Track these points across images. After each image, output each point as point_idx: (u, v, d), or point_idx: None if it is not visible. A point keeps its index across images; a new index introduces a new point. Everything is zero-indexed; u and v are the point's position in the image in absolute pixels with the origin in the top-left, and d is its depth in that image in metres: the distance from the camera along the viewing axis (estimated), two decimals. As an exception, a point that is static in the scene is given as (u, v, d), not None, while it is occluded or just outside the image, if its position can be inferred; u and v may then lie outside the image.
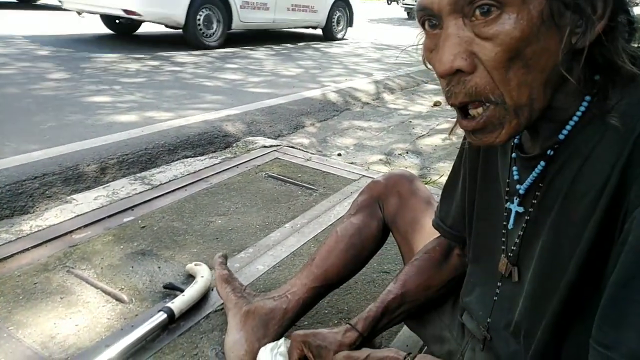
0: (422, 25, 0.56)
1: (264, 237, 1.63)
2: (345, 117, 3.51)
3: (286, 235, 1.65)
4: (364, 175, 2.19)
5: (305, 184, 2.06)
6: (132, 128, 2.61)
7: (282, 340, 0.95)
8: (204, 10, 5.43)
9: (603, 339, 0.49)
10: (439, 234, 0.95)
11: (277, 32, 7.67)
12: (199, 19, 5.44)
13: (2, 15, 6.96)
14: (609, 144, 0.51)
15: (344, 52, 6.65)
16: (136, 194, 1.88)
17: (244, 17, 6.00)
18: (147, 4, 5.03)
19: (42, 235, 1.52)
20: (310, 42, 7.31)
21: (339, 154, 2.69)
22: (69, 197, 1.85)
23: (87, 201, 1.80)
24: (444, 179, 2.35)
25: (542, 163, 0.59)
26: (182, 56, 5.09)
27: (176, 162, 2.28)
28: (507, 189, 0.67)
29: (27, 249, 1.45)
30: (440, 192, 0.91)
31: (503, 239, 0.69)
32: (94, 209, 1.73)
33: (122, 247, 1.51)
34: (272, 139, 2.73)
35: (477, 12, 0.49)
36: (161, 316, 1.14)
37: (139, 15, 5.08)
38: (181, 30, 5.53)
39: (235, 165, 2.22)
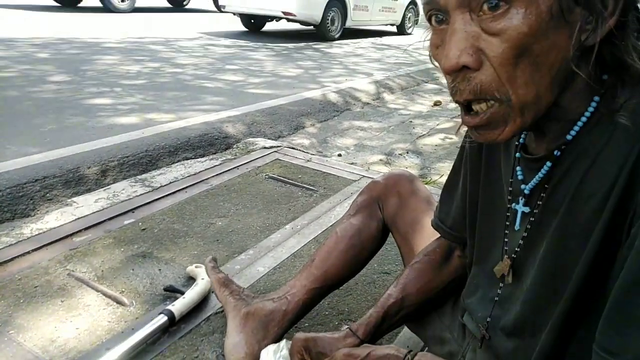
0: (429, 20, 0.55)
1: (264, 238, 1.63)
2: (346, 118, 3.51)
3: (287, 236, 1.65)
4: (364, 176, 2.19)
5: (305, 185, 2.06)
6: (133, 130, 2.61)
7: (284, 342, 0.94)
8: (331, 12, 7.44)
9: (608, 344, 0.48)
10: (439, 235, 0.95)
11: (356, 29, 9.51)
12: (328, 18, 7.46)
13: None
14: (617, 145, 0.50)
15: (344, 52, 6.64)
16: (137, 196, 1.88)
17: (354, 17, 8.00)
18: (300, 7, 6.90)
19: (42, 238, 1.53)
20: (311, 43, 7.31)
21: (340, 155, 2.69)
22: (69, 200, 1.85)
23: (88, 204, 1.80)
24: (444, 179, 2.34)
25: (549, 164, 0.58)
26: (182, 58, 5.09)
27: (177, 163, 2.28)
28: (510, 189, 0.66)
29: (28, 252, 1.45)
30: (440, 191, 0.91)
31: (506, 240, 0.68)
32: (94, 212, 1.73)
33: (122, 249, 1.51)
34: (273, 140, 2.73)
35: (485, 6, 0.48)
36: (162, 319, 1.14)
37: (293, 15, 6.92)
38: (313, 27, 7.60)
39: (235, 167, 2.22)
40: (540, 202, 0.61)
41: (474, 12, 0.49)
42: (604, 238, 0.51)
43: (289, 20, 7.32)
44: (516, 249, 0.66)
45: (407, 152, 2.77)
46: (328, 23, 7.50)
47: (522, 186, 0.63)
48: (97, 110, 3.00)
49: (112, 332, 1.15)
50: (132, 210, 1.76)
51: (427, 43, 0.57)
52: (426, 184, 2.14)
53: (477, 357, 0.78)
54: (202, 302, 1.25)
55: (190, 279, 1.36)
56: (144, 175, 2.10)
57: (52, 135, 2.49)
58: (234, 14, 7.76)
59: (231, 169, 2.20)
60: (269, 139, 2.74)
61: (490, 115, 0.52)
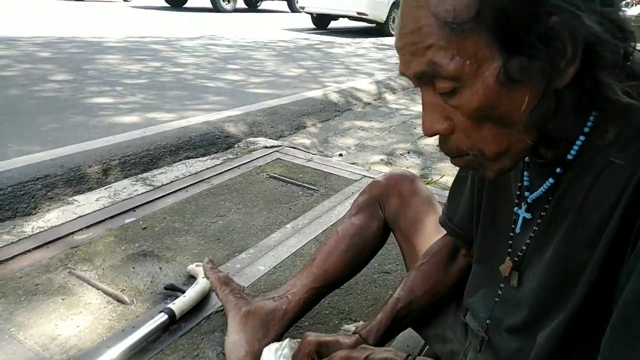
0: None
1: (265, 237, 1.63)
2: (347, 118, 3.51)
3: (287, 235, 1.65)
4: (365, 176, 2.19)
5: (306, 185, 2.06)
6: (134, 129, 2.61)
7: (286, 341, 0.93)
8: (394, 12, 8.58)
9: (613, 357, 0.48)
10: (441, 234, 0.95)
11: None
12: (391, 17, 8.72)
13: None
14: (625, 157, 0.50)
15: (346, 52, 6.64)
16: (138, 195, 1.88)
17: None
18: (370, 8, 8.31)
19: (43, 237, 1.53)
20: (313, 43, 7.32)
21: (341, 155, 2.69)
22: (70, 199, 1.85)
23: (89, 202, 1.81)
24: (445, 179, 2.35)
25: (558, 170, 0.58)
26: (184, 57, 5.10)
27: (178, 163, 2.28)
28: (517, 193, 0.66)
29: (29, 250, 1.45)
30: (441, 192, 0.91)
31: (510, 242, 0.68)
32: (95, 210, 1.73)
33: (123, 248, 1.51)
34: (274, 139, 2.73)
35: (436, 86, 0.51)
36: (162, 317, 1.14)
37: (366, 15, 8.34)
38: (376, 24, 8.86)
39: (236, 166, 2.22)
40: (546, 212, 0.61)
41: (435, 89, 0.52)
42: (610, 249, 0.51)
43: (361, 19, 8.72)
44: (519, 252, 0.66)
45: (409, 152, 2.77)
46: (390, 21, 8.85)
47: (526, 193, 0.63)
48: (98, 110, 3.00)
49: (113, 330, 1.15)
50: (133, 209, 1.76)
51: None
52: (427, 184, 2.14)
53: (478, 358, 0.79)
54: (203, 301, 1.25)
55: (191, 278, 1.36)
56: (145, 174, 2.10)
57: (54, 134, 2.50)
58: (312, 14, 9.34)
59: (232, 168, 2.20)
60: (270, 138, 2.74)
61: (465, 162, 0.57)
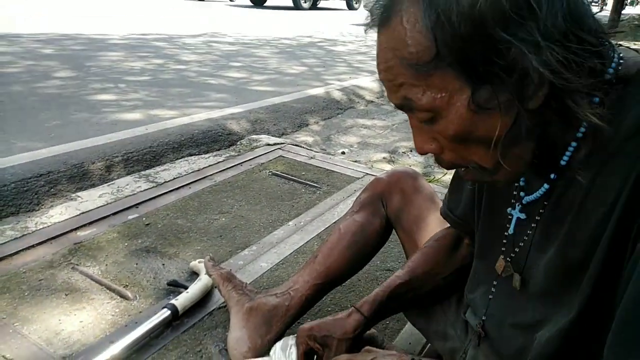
0: None
1: (267, 234, 1.63)
2: (350, 115, 3.51)
3: (290, 233, 1.65)
4: (367, 174, 2.19)
5: (309, 182, 2.07)
6: (137, 126, 2.61)
7: (292, 340, 0.93)
8: None
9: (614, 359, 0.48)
10: (444, 228, 0.95)
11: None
12: None
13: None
14: (621, 159, 0.50)
15: (348, 50, 6.64)
16: (141, 191, 1.89)
17: None
18: None
19: (47, 233, 1.53)
20: (316, 41, 7.31)
21: (343, 152, 2.69)
22: (74, 195, 1.86)
23: (92, 199, 1.81)
24: (448, 177, 2.35)
25: (552, 176, 0.58)
26: (186, 54, 5.10)
27: (180, 160, 2.28)
28: (515, 193, 0.67)
29: (33, 246, 1.46)
30: (444, 190, 0.91)
31: (504, 241, 0.69)
32: (98, 207, 1.74)
33: (126, 244, 1.51)
34: (276, 137, 2.74)
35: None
36: (165, 313, 1.15)
37: None
38: None
39: (239, 163, 2.22)
40: (542, 214, 0.61)
41: None
42: (609, 252, 0.51)
43: None
44: (512, 253, 0.67)
45: (411, 150, 2.76)
46: None
47: (522, 194, 0.64)
48: (101, 106, 3.01)
49: (116, 326, 1.16)
50: (136, 205, 1.77)
51: None
52: (430, 182, 2.14)
53: (479, 354, 0.79)
54: (205, 297, 1.25)
55: (194, 274, 1.36)
56: (148, 171, 2.11)
57: (57, 131, 2.50)
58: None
59: (235, 165, 2.20)
60: (272, 136, 2.74)
61: (470, 175, 0.60)
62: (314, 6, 13.87)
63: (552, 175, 0.58)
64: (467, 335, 0.86)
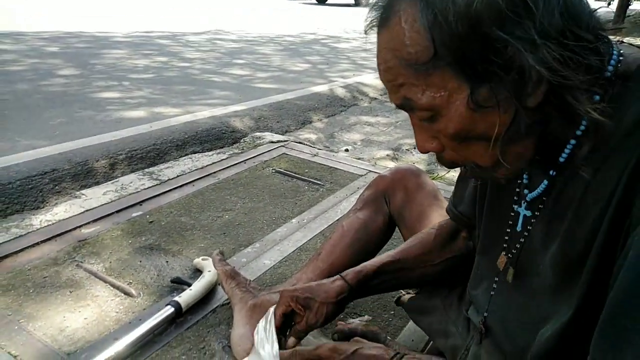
0: None
1: (270, 232, 1.63)
2: (353, 113, 3.50)
3: (293, 230, 1.65)
4: (371, 171, 2.19)
5: (312, 180, 2.07)
6: (141, 124, 2.62)
7: (270, 312, 0.90)
8: None
9: (600, 357, 0.48)
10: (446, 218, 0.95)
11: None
12: None
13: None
14: (620, 154, 0.50)
15: (352, 47, 6.62)
16: (144, 189, 1.89)
17: None
18: None
19: (51, 230, 1.54)
20: (319, 38, 7.30)
21: (347, 150, 2.69)
22: (78, 192, 1.86)
23: (96, 196, 1.82)
24: (451, 174, 2.34)
25: (552, 172, 0.58)
26: (190, 52, 5.10)
27: (184, 157, 2.29)
28: (517, 190, 0.67)
29: (37, 244, 1.46)
30: (447, 187, 0.92)
31: (506, 238, 0.69)
32: (102, 204, 1.75)
33: (130, 241, 1.52)
34: (280, 134, 2.74)
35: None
36: (169, 310, 1.15)
37: None
38: None
39: (242, 161, 2.23)
40: (541, 209, 0.61)
41: None
42: (604, 248, 0.51)
43: None
44: (513, 250, 0.67)
45: (414, 148, 2.76)
46: None
47: (525, 191, 0.64)
48: (105, 104, 3.02)
49: (120, 323, 1.17)
50: (140, 203, 1.77)
51: None
52: (433, 179, 2.14)
53: (481, 351, 0.79)
54: (209, 294, 1.26)
55: (197, 271, 1.37)
56: (151, 169, 2.12)
57: (61, 129, 2.51)
58: None
59: (238, 163, 2.21)
60: (276, 133, 2.74)
61: (471, 173, 0.61)
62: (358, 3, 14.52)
63: (551, 172, 0.58)
64: (469, 333, 0.86)
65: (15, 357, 1.04)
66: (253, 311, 1.04)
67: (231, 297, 1.11)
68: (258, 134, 2.66)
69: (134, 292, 1.28)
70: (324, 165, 2.24)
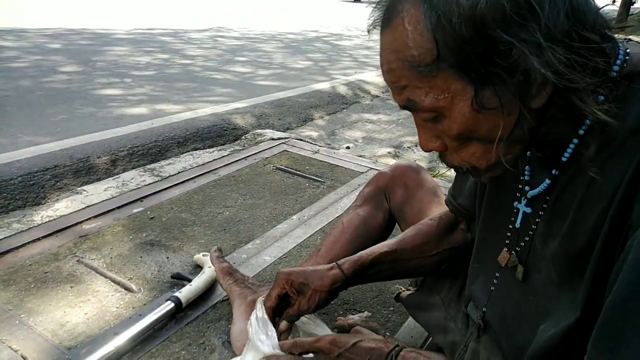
0: None
1: (271, 228, 1.64)
2: (355, 110, 3.50)
3: (293, 226, 1.65)
4: (371, 168, 2.19)
5: (313, 177, 2.07)
6: (142, 120, 2.63)
7: (258, 304, 0.89)
8: None
9: (596, 358, 0.48)
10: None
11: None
12: None
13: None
14: (624, 154, 0.50)
15: (354, 44, 6.61)
16: (145, 185, 1.90)
17: None
18: None
19: (53, 226, 1.55)
20: (321, 35, 7.29)
21: (348, 147, 2.69)
22: (79, 188, 1.87)
23: (97, 192, 1.82)
24: (452, 172, 2.34)
25: (554, 172, 0.58)
26: (192, 49, 5.10)
27: (185, 154, 2.29)
28: (519, 186, 0.67)
29: (38, 239, 1.47)
30: (448, 184, 0.92)
31: (508, 234, 0.69)
32: (104, 200, 1.75)
33: (131, 237, 1.52)
34: (281, 131, 2.74)
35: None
36: (169, 305, 1.15)
37: None
38: None
39: (243, 158, 2.23)
40: (545, 208, 0.61)
41: None
42: (605, 246, 0.51)
43: None
44: (517, 247, 0.67)
45: (416, 145, 2.76)
46: None
47: (527, 188, 0.64)
48: (107, 101, 3.02)
49: (120, 318, 1.17)
50: (141, 199, 1.78)
51: None
52: (434, 176, 2.14)
53: (479, 347, 0.79)
54: (209, 290, 1.26)
55: (198, 267, 1.37)
56: (152, 165, 2.12)
57: (63, 125, 2.52)
58: None
59: (239, 159, 2.21)
60: (277, 130, 2.74)
61: (466, 172, 0.61)
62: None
63: (553, 171, 0.58)
64: (468, 329, 0.86)
65: (16, 351, 1.05)
66: (252, 306, 1.04)
67: (229, 294, 1.11)
68: (259, 131, 2.66)
69: (134, 287, 1.28)
70: (325, 162, 2.24)
